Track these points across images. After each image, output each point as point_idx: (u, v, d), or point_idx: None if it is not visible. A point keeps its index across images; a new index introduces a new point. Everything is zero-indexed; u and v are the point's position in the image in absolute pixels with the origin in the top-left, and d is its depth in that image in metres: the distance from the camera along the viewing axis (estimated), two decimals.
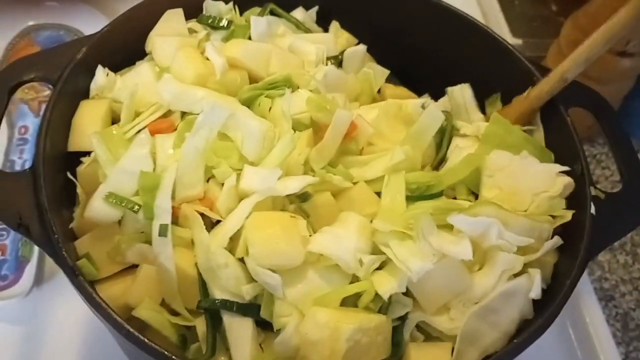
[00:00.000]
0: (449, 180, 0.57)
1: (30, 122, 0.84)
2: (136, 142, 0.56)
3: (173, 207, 0.53)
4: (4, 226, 0.74)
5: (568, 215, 0.56)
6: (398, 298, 0.51)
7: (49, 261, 0.74)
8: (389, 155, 0.56)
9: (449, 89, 0.67)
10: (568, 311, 0.77)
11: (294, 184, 0.52)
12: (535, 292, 0.52)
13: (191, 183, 0.55)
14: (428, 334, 0.53)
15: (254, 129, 0.55)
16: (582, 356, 0.75)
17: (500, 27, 1.03)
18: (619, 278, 0.83)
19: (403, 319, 0.52)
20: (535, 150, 0.60)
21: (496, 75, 0.68)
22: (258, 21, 0.66)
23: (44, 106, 0.85)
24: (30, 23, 0.92)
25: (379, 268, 0.51)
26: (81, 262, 0.52)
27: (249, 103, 0.59)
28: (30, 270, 0.71)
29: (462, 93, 0.68)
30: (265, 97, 0.58)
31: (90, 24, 0.90)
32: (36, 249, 0.72)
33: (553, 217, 0.57)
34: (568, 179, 0.58)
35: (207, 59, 0.63)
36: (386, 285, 0.49)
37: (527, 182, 0.57)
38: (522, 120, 0.63)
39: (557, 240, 0.56)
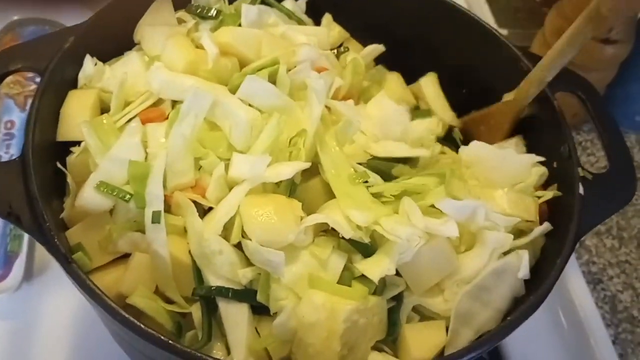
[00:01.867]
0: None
1: (16, 117, 0.83)
2: (127, 131, 0.56)
3: (165, 195, 0.53)
4: None
5: (549, 194, 0.57)
6: (391, 279, 0.51)
7: (39, 256, 0.73)
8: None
9: None
10: (558, 295, 0.79)
11: (286, 170, 0.52)
12: (523, 272, 0.53)
13: (182, 171, 0.55)
14: (423, 314, 0.53)
15: (241, 118, 0.55)
16: (572, 339, 0.76)
17: (485, 18, 1.03)
18: (607, 261, 0.84)
19: (398, 300, 0.52)
20: None
21: (485, 61, 0.69)
22: (249, 9, 0.66)
23: (29, 101, 0.84)
24: (15, 18, 0.91)
25: (369, 255, 0.52)
26: (76, 256, 0.51)
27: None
28: (19, 265, 0.70)
29: None
30: None
31: (76, 18, 0.88)
32: (25, 243, 0.72)
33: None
34: (543, 169, 0.60)
35: (197, 47, 0.63)
36: (376, 269, 0.50)
37: (504, 173, 0.59)
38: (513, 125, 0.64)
39: (546, 227, 0.56)
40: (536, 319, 0.75)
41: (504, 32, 1.02)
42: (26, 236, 0.72)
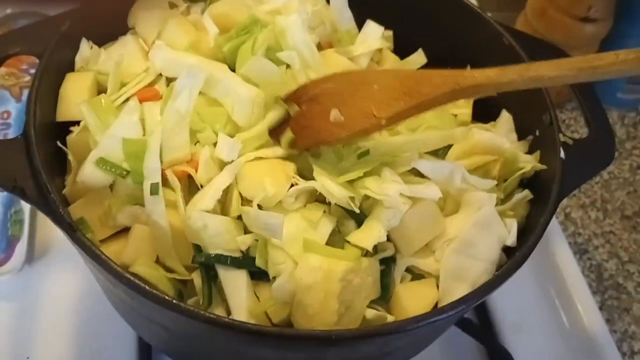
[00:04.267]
0: None
1: (12, 107, 0.84)
2: (126, 109, 0.58)
3: (162, 170, 0.55)
4: None
5: (528, 166, 0.59)
6: (380, 245, 0.53)
7: (39, 239, 0.75)
8: None
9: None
10: (545, 266, 0.81)
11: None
12: (512, 240, 0.55)
13: (177, 146, 0.56)
14: (415, 273, 0.55)
15: (244, 96, 0.57)
16: (561, 307, 0.79)
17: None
18: (592, 232, 0.87)
19: (388, 265, 0.54)
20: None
21: (469, 40, 0.72)
22: None
23: (25, 91, 0.86)
24: (8, 11, 0.92)
25: (360, 222, 0.54)
26: (81, 227, 0.52)
27: (234, 57, 0.61)
28: (21, 248, 0.72)
29: None
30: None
31: None
32: (26, 227, 0.73)
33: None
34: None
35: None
36: (369, 238, 0.52)
37: None
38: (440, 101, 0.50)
39: (526, 194, 0.59)
40: (525, 289, 0.79)
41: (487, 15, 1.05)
42: (27, 220, 0.73)
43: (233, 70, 0.62)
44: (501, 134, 0.65)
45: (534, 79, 0.47)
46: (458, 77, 0.48)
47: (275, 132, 0.57)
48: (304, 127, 0.55)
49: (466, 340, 0.71)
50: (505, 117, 0.66)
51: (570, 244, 0.84)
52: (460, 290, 0.53)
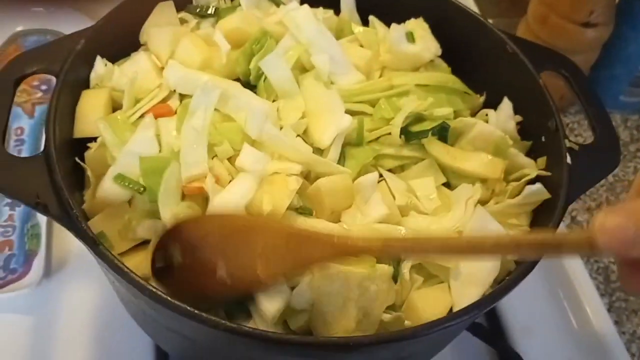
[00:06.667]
0: None
1: (25, 124, 0.86)
2: (142, 125, 0.59)
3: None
4: (10, 223, 0.76)
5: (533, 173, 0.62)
6: None
7: (56, 253, 0.76)
8: None
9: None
10: (554, 269, 0.82)
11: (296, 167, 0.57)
12: None
13: (194, 162, 0.57)
14: (427, 275, 0.57)
15: (257, 109, 0.59)
16: (570, 309, 0.80)
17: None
18: None
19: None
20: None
21: (472, 48, 0.73)
22: None
23: (37, 108, 0.88)
24: (19, 29, 0.94)
25: None
26: (102, 240, 0.54)
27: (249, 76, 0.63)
28: (38, 262, 0.73)
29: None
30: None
31: (77, 28, 0.93)
32: (43, 242, 0.75)
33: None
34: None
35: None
36: None
37: None
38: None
39: (539, 188, 0.60)
40: (534, 292, 0.80)
41: (488, 22, 1.07)
42: (44, 234, 0.75)
43: (249, 87, 0.64)
44: (502, 119, 0.66)
45: (417, 253, 0.51)
46: (340, 242, 0.48)
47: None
48: (188, 282, 0.51)
49: (477, 343, 0.73)
50: (506, 104, 0.67)
51: None
52: (472, 293, 0.55)
